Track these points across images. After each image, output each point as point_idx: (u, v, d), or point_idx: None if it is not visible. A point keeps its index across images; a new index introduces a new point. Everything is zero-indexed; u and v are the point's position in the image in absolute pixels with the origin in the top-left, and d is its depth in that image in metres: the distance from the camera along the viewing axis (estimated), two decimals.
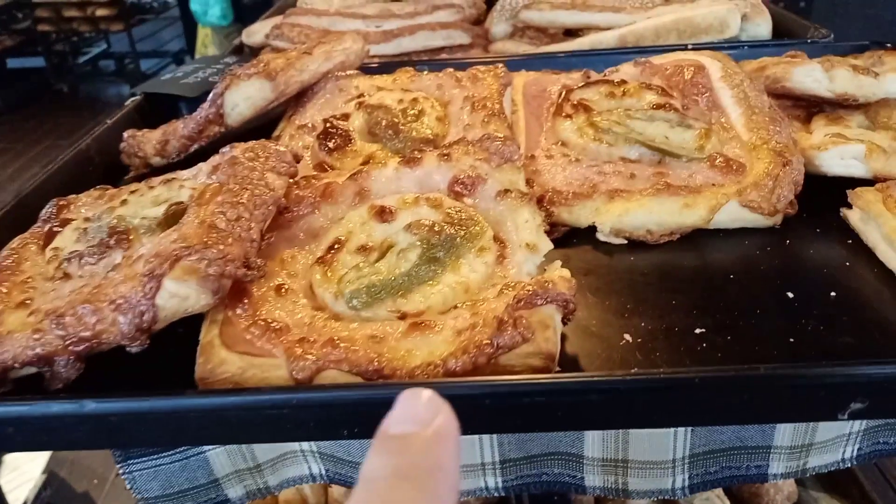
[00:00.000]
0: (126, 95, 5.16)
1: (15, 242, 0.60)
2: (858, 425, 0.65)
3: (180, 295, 0.47)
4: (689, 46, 0.97)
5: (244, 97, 0.73)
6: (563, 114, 0.75)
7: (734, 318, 0.54)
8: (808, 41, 1.01)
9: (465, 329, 0.46)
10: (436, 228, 0.55)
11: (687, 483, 0.64)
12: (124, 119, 0.87)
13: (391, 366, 0.44)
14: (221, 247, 0.48)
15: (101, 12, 6.54)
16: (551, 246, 0.55)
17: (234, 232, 0.50)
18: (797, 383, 0.42)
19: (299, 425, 0.43)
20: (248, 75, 0.72)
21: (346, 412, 0.43)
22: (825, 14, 4.09)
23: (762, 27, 1.09)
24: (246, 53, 1.15)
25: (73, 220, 0.60)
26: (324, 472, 0.65)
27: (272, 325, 0.47)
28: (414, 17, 1.13)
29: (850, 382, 0.42)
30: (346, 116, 0.75)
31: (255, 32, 1.13)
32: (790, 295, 0.56)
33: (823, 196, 0.67)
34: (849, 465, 0.67)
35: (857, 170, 0.67)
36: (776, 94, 0.81)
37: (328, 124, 0.72)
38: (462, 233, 0.54)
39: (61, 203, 0.63)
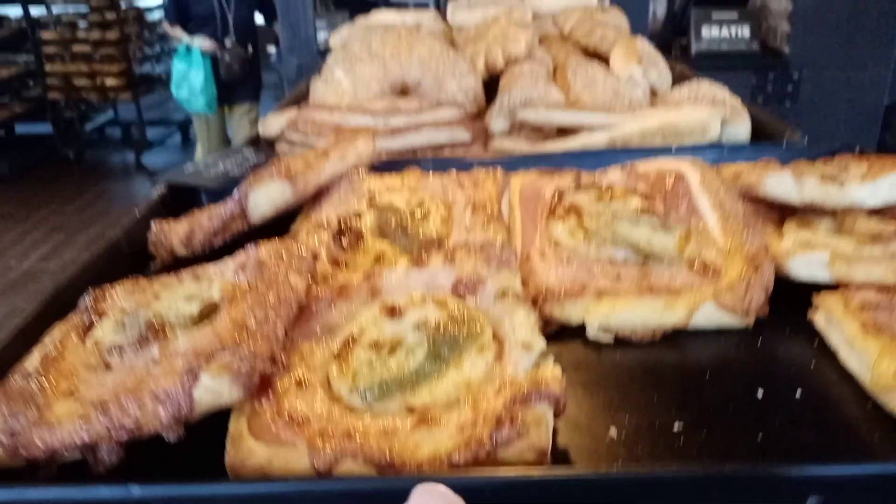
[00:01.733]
0: (130, 162, 5.30)
1: (56, 332, 0.65)
2: None
3: (215, 390, 0.52)
4: (674, 149, 1.06)
5: (266, 198, 0.80)
6: (556, 216, 0.82)
7: (709, 414, 0.60)
8: (784, 146, 1.10)
9: (467, 425, 0.52)
10: (440, 327, 0.61)
11: None
12: (151, 209, 0.93)
13: (401, 458, 0.50)
14: (252, 346, 0.54)
15: (110, 82, 6.74)
16: (544, 345, 0.61)
17: (263, 331, 0.56)
18: (758, 480, 0.48)
19: None
20: (271, 177, 0.80)
21: (363, 502, 0.48)
22: (809, 103, 4.27)
23: (742, 130, 1.18)
24: (262, 144, 1.23)
25: (110, 311, 0.66)
26: None
27: (294, 417, 0.53)
28: (419, 114, 1.22)
29: (807, 481, 0.48)
30: (358, 215, 0.82)
31: (271, 124, 1.22)
32: (760, 392, 0.62)
33: (793, 298, 0.74)
34: None
35: (822, 275, 0.74)
36: (752, 199, 0.89)
37: (342, 223, 0.79)
38: (464, 331, 0.61)
39: (97, 294, 0.70)
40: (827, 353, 0.68)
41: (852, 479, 0.49)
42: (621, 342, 0.70)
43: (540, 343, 0.61)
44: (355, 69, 1.34)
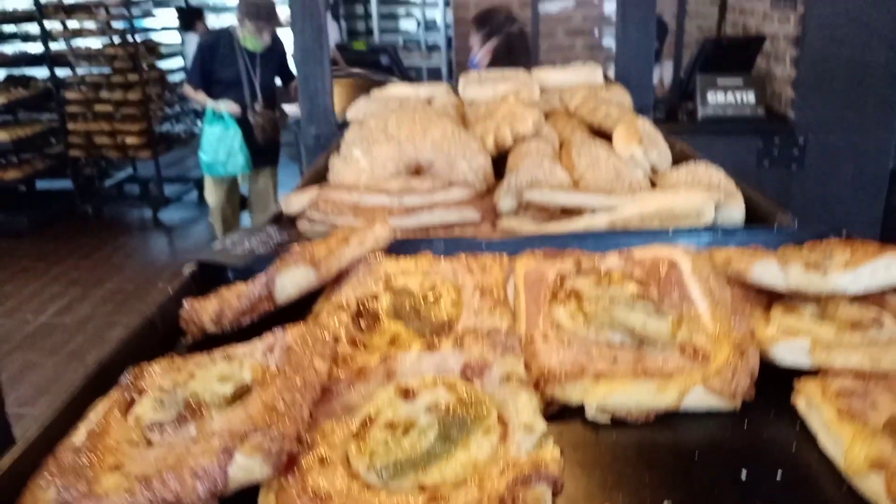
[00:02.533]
0: (147, 218, 5.41)
1: (100, 408, 0.72)
2: None
3: (248, 468, 0.58)
4: (671, 232, 1.13)
5: (292, 282, 0.87)
6: (558, 300, 0.89)
7: (696, 495, 0.66)
8: (775, 229, 1.17)
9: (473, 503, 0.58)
10: (450, 410, 0.67)
11: None
12: (183, 287, 1.01)
13: None
14: (281, 427, 0.60)
15: (130, 140, 6.94)
16: (545, 427, 0.67)
17: (290, 414, 0.62)
18: None
19: None
20: (296, 263, 0.87)
21: None
22: (815, 167, 4.37)
23: (736, 212, 1.25)
24: (284, 221, 1.31)
25: (149, 388, 0.73)
26: None
27: (317, 493, 0.59)
28: (432, 194, 1.30)
29: None
30: (375, 297, 0.89)
31: (293, 203, 1.30)
32: (745, 473, 0.68)
33: (779, 381, 0.79)
34: None
35: (803, 361, 0.80)
36: (741, 284, 0.95)
37: (360, 305, 0.86)
38: (472, 414, 0.67)
39: (136, 372, 0.76)
40: (808, 436, 0.73)
41: None
42: (618, 422, 0.76)
43: (541, 425, 0.67)
44: (372, 150, 1.43)
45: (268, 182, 5.07)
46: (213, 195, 4.95)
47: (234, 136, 4.55)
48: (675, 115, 4.71)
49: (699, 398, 0.76)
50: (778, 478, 0.67)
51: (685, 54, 4.99)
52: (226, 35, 4.69)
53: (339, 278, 0.93)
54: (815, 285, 0.90)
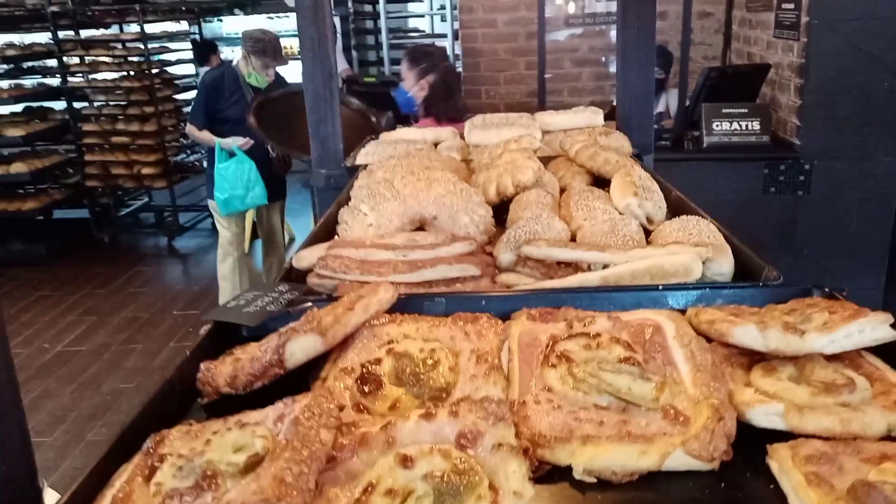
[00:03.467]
0: (162, 246, 5.45)
1: (124, 474, 0.78)
2: None
3: None
4: (661, 287, 1.19)
5: (301, 349, 0.94)
6: (549, 363, 0.95)
7: None
8: (761, 285, 1.23)
9: None
10: (445, 478, 0.73)
11: None
12: (199, 350, 1.08)
13: None
14: (289, 499, 0.67)
15: (146, 170, 7.07)
16: (533, 493, 0.73)
17: (298, 485, 0.69)
18: None
19: None
20: (305, 332, 0.94)
21: None
22: (822, 193, 4.40)
23: (724, 266, 1.31)
24: (294, 278, 1.38)
25: (168, 455, 0.79)
26: None
27: None
28: (434, 249, 1.37)
29: None
30: (378, 361, 0.95)
31: (303, 259, 1.37)
32: None
33: (756, 441, 0.85)
34: None
35: (777, 424, 0.85)
36: (723, 345, 1.01)
37: (364, 370, 0.93)
38: (465, 482, 0.73)
39: (157, 439, 0.83)
40: (780, 496, 0.78)
41: None
42: (603, 483, 0.82)
43: (529, 491, 0.73)
44: (379, 206, 1.51)
45: (275, 215, 5.10)
46: (224, 231, 4.97)
47: (250, 169, 4.57)
48: (680, 143, 4.78)
49: (679, 460, 0.81)
50: None
51: (690, 83, 5.07)
52: (230, 72, 4.69)
53: (345, 342, 1.00)
54: (793, 347, 0.95)
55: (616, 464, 0.82)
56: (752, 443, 0.85)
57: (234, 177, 4.56)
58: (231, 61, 4.82)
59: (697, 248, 1.27)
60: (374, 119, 3.97)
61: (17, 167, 6.65)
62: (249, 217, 5.22)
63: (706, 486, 0.81)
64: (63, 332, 5.46)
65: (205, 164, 5.58)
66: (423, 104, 3.62)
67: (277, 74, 4.74)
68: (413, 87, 3.64)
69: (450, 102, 3.58)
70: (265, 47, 4.54)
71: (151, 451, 0.81)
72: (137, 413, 0.91)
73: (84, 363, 5.09)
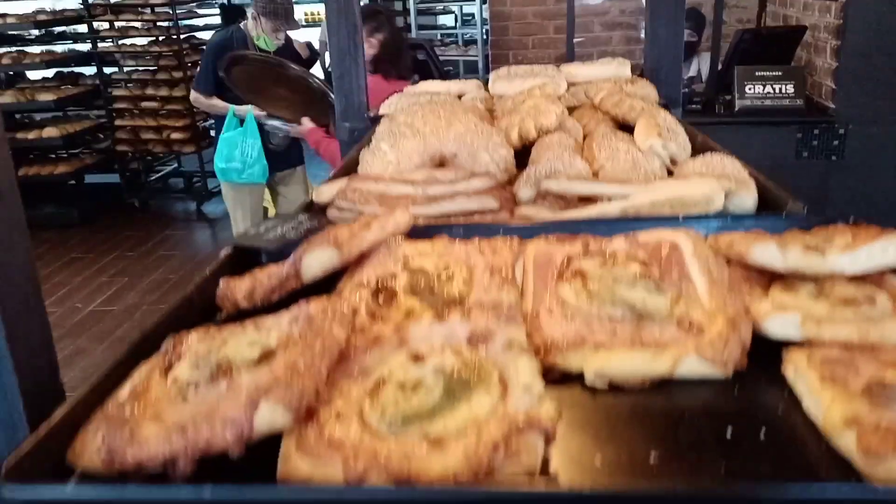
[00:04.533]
0: (191, 210, 5.39)
1: (143, 370, 0.80)
2: None
3: (271, 417, 0.66)
4: (681, 218, 1.18)
5: (317, 262, 0.95)
6: (564, 279, 0.95)
7: (683, 449, 0.71)
8: (784, 216, 1.21)
9: (470, 450, 0.64)
10: (455, 372, 0.74)
11: None
12: (219, 268, 1.09)
13: (417, 475, 0.62)
14: (301, 383, 0.68)
15: (175, 135, 7.12)
16: (543, 386, 0.73)
17: (310, 372, 0.70)
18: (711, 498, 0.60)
19: None
20: (321, 245, 0.95)
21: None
22: (856, 158, 4.31)
23: (747, 200, 1.29)
24: (315, 210, 1.39)
25: (186, 353, 0.81)
26: None
27: (332, 440, 0.66)
28: (454, 184, 1.37)
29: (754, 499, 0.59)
30: (393, 276, 0.96)
31: (323, 193, 1.38)
32: (729, 432, 0.73)
33: (772, 355, 0.84)
34: None
35: (794, 335, 0.84)
36: (742, 266, 1.00)
37: (379, 283, 0.93)
38: (475, 375, 0.73)
39: (176, 339, 0.84)
40: (794, 402, 0.78)
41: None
42: (615, 388, 0.82)
43: (539, 385, 0.73)
44: (399, 143, 1.50)
45: (300, 180, 4.81)
46: (232, 203, 4.66)
47: (252, 145, 4.26)
48: (712, 107, 4.70)
49: (692, 366, 0.81)
50: (762, 437, 0.72)
51: (723, 47, 4.97)
52: (238, 34, 4.40)
53: (361, 260, 1.00)
54: (814, 266, 0.94)
55: (628, 369, 0.82)
56: (768, 356, 0.84)
57: (234, 149, 4.29)
58: (239, 22, 4.47)
59: (720, 179, 1.25)
60: (331, 98, 3.86)
61: (49, 132, 6.75)
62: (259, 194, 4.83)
63: (719, 394, 0.81)
64: (95, 292, 5.57)
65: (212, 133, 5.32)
66: (372, 62, 3.63)
67: (287, 39, 4.50)
68: (370, 51, 3.64)
69: (399, 61, 3.64)
70: (276, 9, 4.27)
71: (170, 350, 0.82)
72: (156, 322, 0.93)
73: (115, 322, 5.20)
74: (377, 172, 1.47)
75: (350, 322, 0.81)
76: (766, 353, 0.84)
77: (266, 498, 0.63)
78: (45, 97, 6.81)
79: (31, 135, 6.72)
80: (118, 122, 7.19)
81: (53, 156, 7.26)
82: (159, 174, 7.93)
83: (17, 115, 7.07)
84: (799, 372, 0.78)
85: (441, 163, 1.52)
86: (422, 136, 1.51)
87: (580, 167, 1.48)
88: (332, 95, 3.81)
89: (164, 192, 7.78)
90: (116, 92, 7.19)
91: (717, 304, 0.87)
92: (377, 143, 1.56)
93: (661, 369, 0.81)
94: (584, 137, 1.85)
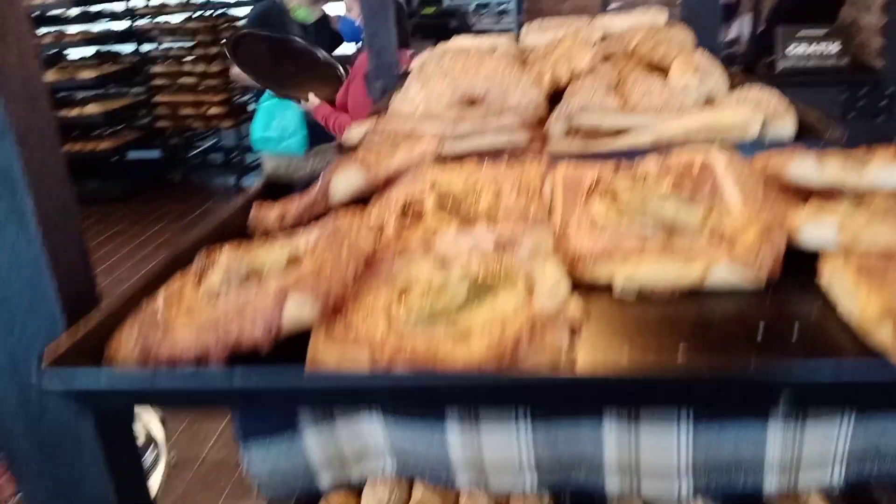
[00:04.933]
0: (231, 185, 5.42)
1: (177, 279, 0.82)
2: (842, 449, 0.77)
3: (299, 309, 0.67)
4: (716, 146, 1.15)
5: (345, 182, 0.95)
6: (593, 198, 0.93)
7: (712, 345, 0.70)
8: (822, 143, 1.17)
9: (495, 343, 0.64)
10: (481, 274, 0.74)
11: (692, 491, 0.78)
12: (252, 197, 1.10)
13: (442, 365, 0.63)
14: (328, 280, 0.68)
15: (213, 111, 7.20)
16: (568, 293, 0.73)
17: (336, 272, 0.70)
18: (734, 379, 0.59)
19: (377, 397, 0.62)
20: (349, 165, 0.95)
21: (410, 389, 0.62)
22: None
23: (786, 128, 1.25)
24: (345, 150, 1.39)
25: (219, 263, 0.82)
26: (394, 466, 0.82)
27: (360, 333, 0.67)
28: (485, 121, 1.36)
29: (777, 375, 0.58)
30: (421, 197, 0.95)
31: (353, 135, 1.38)
32: (760, 334, 0.72)
33: (807, 270, 0.82)
34: (837, 486, 0.79)
35: (830, 241, 0.82)
36: (779, 184, 0.97)
37: (407, 203, 0.93)
38: (501, 277, 0.73)
39: (209, 252, 0.86)
40: (830, 310, 0.76)
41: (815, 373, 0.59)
42: (644, 299, 0.81)
43: (565, 287, 0.73)
44: (428, 84, 1.50)
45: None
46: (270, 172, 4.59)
47: (292, 116, 4.05)
48: (753, 69, 4.57)
49: (723, 274, 0.80)
50: (793, 338, 0.71)
51: (765, 6, 4.82)
52: (276, 6, 4.37)
53: (388, 185, 1.00)
54: (853, 180, 0.91)
55: (658, 278, 0.80)
56: (802, 270, 0.82)
57: (272, 118, 4.14)
58: None
59: (757, 106, 1.22)
60: (339, 71, 3.83)
61: (91, 108, 6.88)
62: None
63: (751, 302, 0.79)
64: (139, 263, 5.70)
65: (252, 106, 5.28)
66: None
67: (324, 13, 4.44)
68: (360, 16, 3.58)
69: (399, 30, 3.58)
70: None
71: (202, 262, 0.84)
72: (189, 242, 0.95)
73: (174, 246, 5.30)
74: (406, 112, 1.47)
75: (377, 234, 0.81)
76: (801, 268, 0.82)
77: (294, 385, 0.64)
78: (87, 74, 6.94)
79: (74, 112, 6.86)
80: (157, 99, 7.30)
81: (96, 133, 7.40)
82: (199, 149, 8.04)
83: (60, 93, 7.21)
84: (835, 274, 0.76)
85: (470, 102, 1.51)
86: (451, 77, 1.50)
87: (613, 104, 1.46)
88: (339, 68, 3.82)
89: (204, 166, 7.89)
90: (155, 69, 7.29)
91: (751, 214, 0.85)
92: (407, 87, 1.55)
93: (691, 278, 0.80)
94: (618, 83, 1.81)
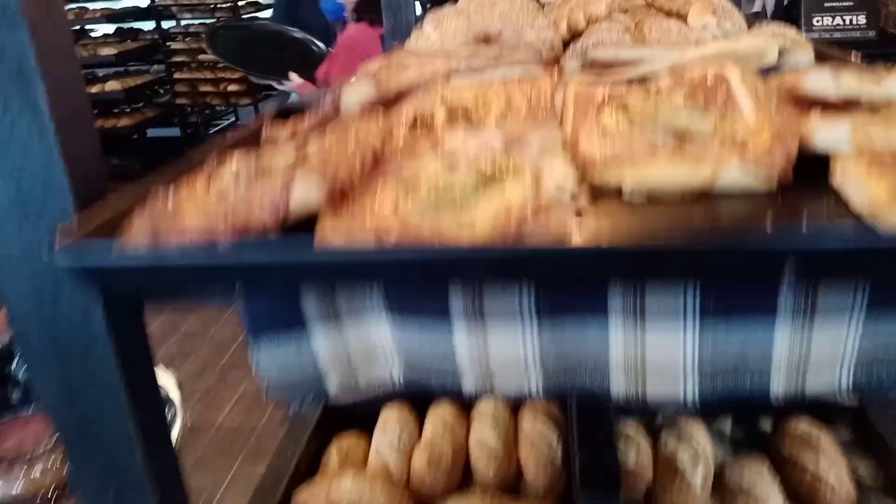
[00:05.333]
0: None
1: (188, 178, 0.82)
2: (851, 350, 0.76)
3: (305, 194, 0.67)
4: None
5: (356, 95, 0.95)
6: (605, 110, 0.93)
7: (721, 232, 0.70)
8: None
9: (500, 222, 0.64)
10: (488, 170, 0.73)
11: (697, 393, 0.77)
12: (263, 123, 1.11)
13: (447, 243, 0.63)
14: (334, 166, 0.69)
15: (232, 88, 7.23)
16: (575, 188, 0.72)
17: (343, 161, 0.71)
18: (740, 246, 0.58)
19: (383, 272, 0.62)
20: (360, 79, 0.95)
21: (415, 263, 0.62)
22: None
23: (803, 59, 1.23)
24: None
25: (229, 164, 0.83)
26: (401, 370, 0.83)
27: (367, 215, 0.67)
28: (499, 57, 1.35)
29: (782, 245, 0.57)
30: (431, 111, 0.95)
31: (368, 69, 1.38)
32: (770, 224, 0.71)
33: (819, 176, 0.81)
34: (846, 391, 0.78)
35: (844, 142, 0.81)
36: (794, 100, 0.96)
37: (417, 116, 0.93)
38: (509, 172, 0.73)
39: (219, 155, 0.86)
40: (842, 205, 0.75)
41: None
42: (654, 202, 0.80)
43: (572, 185, 0.72)
44: (442, 24, 1.49)
45: None
46: None
47: None
48: None
49: (735, 174, 0.79)
50: (803, 229, 0.70)
51: None
52: None
53: (399, 100, 1.00)
54: (868, 91, 0.90)
55: (667, 180, 0.80)
56: (815, 176, 0.81)
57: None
58: None
59: (774, 35, 1.20)
60: (316, 48, 3.85)
61: (112, 86, 6.94)
62: None
63: (761, 201, 0.78)
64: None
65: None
66: (355, 9, 3.54)
67: None
68: None
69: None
70: None
71: (213, 164, 0.84)
72: (202, 156, 0.95)
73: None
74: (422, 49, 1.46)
75: (386, 135, 0.81)
76: (813, 175, 0.81)
77: (303, 258, 0.64)
78: (107, 51, 6.99)
79: (95, 89, 6.92)
80: (177, 76, 7.34)
81: (116, 110, 7.47)
82: (217, 127, 8.09)
83: (81, 70, 7.27)
84: (847, 169, 0.75)
85: (485, 40, 1.50)
86: (465, 16, 1.49)
87: (629, 42, 1.44)
88: (317, 44, 3.83)
89: None
90: (175, 46, 7.33)
91: (764, 121, 0.84)
92: (421, 28, 1.55)
93: (701, 179, 0.79)
94: (636, 25, 1.80)
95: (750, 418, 1.59)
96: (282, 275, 0.66)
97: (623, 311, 0.77)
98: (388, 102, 1.00)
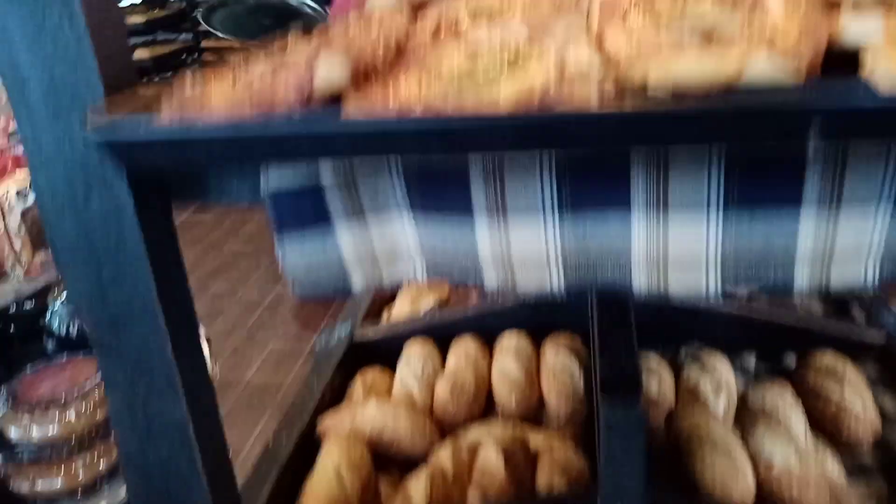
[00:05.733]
0: None
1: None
2: (878, 241, 0.75)
3: (329, 72, 0.68)
4: None
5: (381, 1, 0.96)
6: (631, 13, 0.92)
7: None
8: None
9: (524, 94, 0.65)
10: (512, 54, 0.74)
11: (720, 285, 0.77)
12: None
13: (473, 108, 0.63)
14: (358, 47, 0.69)
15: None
16: (598, 65, 0.72)
17: (367, 43, 0.71)
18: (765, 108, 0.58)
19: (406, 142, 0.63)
20: None
21: (438, 132, 0.62)
22: None
23: None
24: None
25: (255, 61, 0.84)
26: (424, 267, 0.84)
27: (390, 91, 0.68)
28: None
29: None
30: (456, 17, 0.95)
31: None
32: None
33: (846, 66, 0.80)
34: (871, 285, 0.77)
35: (875, 31, 0.79)
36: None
37: (440, 21, 0.93)
38: (533, 55, 0.73)
39: (244, 56, 0.87)
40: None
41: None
42: (678, 97, 0.80)
43: (597, 63, 0.72)
44: None
45: None
46: None
47: None
48: None
49: (762, 65, 0.77)
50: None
51: None
52: None
53: (422, 10, 1.00)
54: None
55: (693, 73, 0.79)
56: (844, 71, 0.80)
57: None
58: None
59: None
60: (314, 11, 3.84)
61: (141, 53, 6.99)
62: None
63: (787, 94, 0.77)
64: (187, 203, 5.82)
65: None
66: None
67: None
68: None
69: None
70: None
71: (239, 64, 0.85)
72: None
73: (206, 229, 5.46)
74: None
75: (409, 26, 0.81)
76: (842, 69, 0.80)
77: (328, 129, 0.65)
78: (135, 20, 7.04)
79: None
80: (204, 44, 7.37)
81: (145, 79, 7.52)
82: None
83: None
84: (877, 56, 0.74)
85: None
86: None
87: None
88: (310, 5, 3.83)
89: None
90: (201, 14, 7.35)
91: (792, 18, 0.83)
92: None
93: (727, 71, 0.78)
94: None
95: (774, 353, 1.58)
96: (307, 147, 0.67)
97: (646, 203, 0.77)
98: (413, 9, 1.00)
